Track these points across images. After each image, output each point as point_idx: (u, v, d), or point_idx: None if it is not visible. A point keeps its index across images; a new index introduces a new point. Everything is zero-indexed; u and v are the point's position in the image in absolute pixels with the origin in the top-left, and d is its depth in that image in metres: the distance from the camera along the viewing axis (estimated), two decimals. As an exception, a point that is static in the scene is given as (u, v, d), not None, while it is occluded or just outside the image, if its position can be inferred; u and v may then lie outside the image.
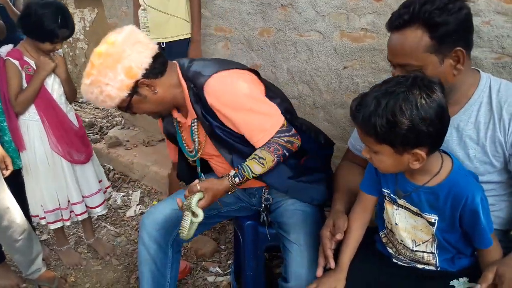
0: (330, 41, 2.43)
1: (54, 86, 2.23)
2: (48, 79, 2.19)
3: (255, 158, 1.52)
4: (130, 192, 3.42)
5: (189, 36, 2.78)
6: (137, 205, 3.23)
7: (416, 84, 1.11)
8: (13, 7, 3.72)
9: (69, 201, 2.40)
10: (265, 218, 1.83)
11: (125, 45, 1.51)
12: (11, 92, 2.10)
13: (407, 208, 1.31)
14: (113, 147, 3.81)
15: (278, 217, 1.74)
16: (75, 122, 2.37)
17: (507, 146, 1.29)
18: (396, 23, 1.26)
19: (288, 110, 1.72)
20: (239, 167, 1.52)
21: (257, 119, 1.57)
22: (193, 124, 1.71)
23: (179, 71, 1.65)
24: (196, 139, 1.74)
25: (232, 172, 1.52)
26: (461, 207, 1.19)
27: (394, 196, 1.33)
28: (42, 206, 2.33)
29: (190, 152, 1.82)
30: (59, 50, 2.28)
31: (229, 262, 2.53)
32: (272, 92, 1.71)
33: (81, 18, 6.76)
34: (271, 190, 1.79)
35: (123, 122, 4.34)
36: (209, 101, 1.56)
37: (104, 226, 2.99)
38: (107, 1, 3.89)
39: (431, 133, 1.11)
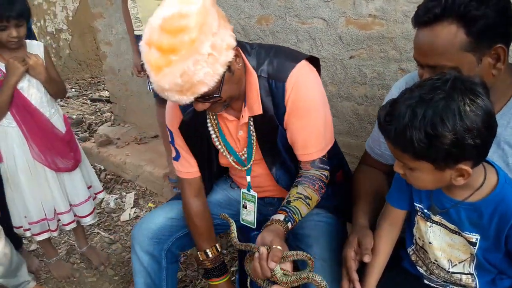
0: (335, 29, 2.24)
1: (30, 91, 2.02)
2: (22, 82, 1.97)
3: (301, 198, 1.35)
4: (124, 194, 3.25)
5: None
6: (132, 208, 3.07)
7: (456, 87, 0.93)
8: None
9: (55, 211, 2.23)
10: None
11: (213, 13, 1.17)
12: None
13: (443, 224, 1.15)
14: (104, 146, 3.62)
15: (296, 228, 1.57)
16: (61, 127, 2.16)
17: None
18: (425, 18, 1.08)
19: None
20: (287, 211, 1.30)
21: (320, 132, 1.44)
22: (250, 123, 1.44)
23: (242, 55, 1.35)
24: (254, 141, 1.47)
25: (282, 217, 1.28)
26: (509, 226, 1.03)
27: (428, 212, 1.17)
28: (26, 217, 2.17)
29: (241, 156, 1.54)
30: (39, 46, 2.06)
31: (233, 269, 2.38)
32: None
33: (63, 7, 6.47)
34: None
35: (112, 118, 4.14)
36: (288, 96, 1.36)
37: (98, 233, 2.83)
38: (89, -11, 3.66)
39: (478, 145, 0.93)
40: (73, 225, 2.32)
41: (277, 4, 2.38)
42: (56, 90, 2.13)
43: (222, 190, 1.78)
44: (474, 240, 1.09)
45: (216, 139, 1.52)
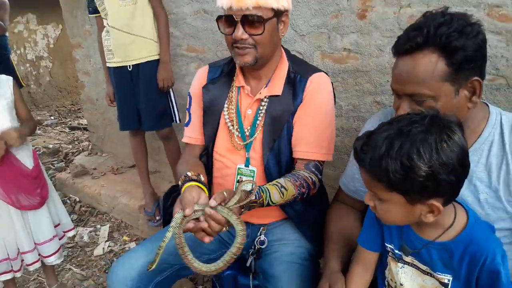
0: (311, 62, 2.25)
1: None
2: None
3: (276, 185, 1.34)
4: (98, 226, 3.15)
5: (158, 57, 2.56)
6: (106, 241, 2.96)
7: (434, 124, 0.93)
8: None
9: (19, 250, 2.11)
10: (252, 263, 1.61)
11: None
12: None
13: (415, 265, 1.12)
14: (79, 176, 3.53)
15: (268, 267, 1.52)
16: (29, 162, 2.07)
17: None
18: (407, 46, 1.08)
19: None
20: (258, 188, 1.30)
21: (325, 137, 1.50)
22: (264, 101, 1.52)
23: (283, 50, 1.58)
24: (261, 118, 1.52)
25: (249, 187, 1.31)
26: (479, 267, 1.01)
27: (399, 252, 1.14)
28: None
29: (245, 132, 1.55)
30: (8, 80, 2.00)
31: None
32: None
33: (44, 35, 6.46)
34: (268, 232, 1.61)
35: (90, 147, 4.06)
36: (307, 90, 1.48)
37: (69, 269, 2.71)
38: (68, 19, 3.64)
39: (452, 181, 0.93)
40: (37, 264, 2.19)
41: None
42: (28, 133, 2.06)
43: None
44: (446, 281, 1.07)
45: (231, 111, 1.56)
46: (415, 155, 0.90)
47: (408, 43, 1.08)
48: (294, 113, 1.49)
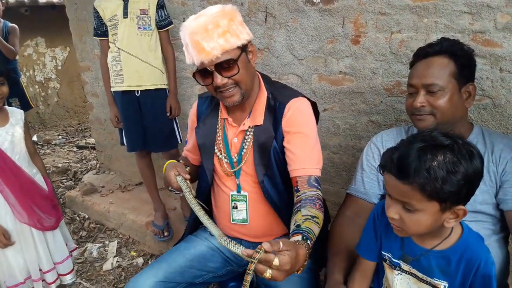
0: (308, 84, 2.40)
1: (15, 150, 2.06)
2: (5, 144, 2.02)
3: (308, 219, 1.31)
4: (107, 242, 3.25)
5: (163, 86, 2.72)
6: (114, 257, 3.06)
7: (457, 137, 1.06)
8: (5, 42, 3.63)
9: (40, 270, 2.21)
10: (254, 278, 1.71)
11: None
12: None
13: (412, 273, 1.22)
14: (88, 194, 3.65)
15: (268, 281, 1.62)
16: (44, 185, 2.20)
17: (498, 176, 1.42)
18: (428, 50, 1.46)
19: None
20: (300, 232, 1.24)
21: (315, 153, 1.55)
22: (248, 131, 1.61)
23: (260, 78, 1.65)
24: (248, 146, 1.61)
25: (299, 237, 1.22)
26: (474, 271, 1.12)
27: (396, 261, 1.25)
28: (5, 282, 2.13)
29: (233, 159, 1.65)
30: (21, 114, 2.13)
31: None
32: None
33: (53, 57, 6.65)
34: None
35: (98, 166, 4.19)
36: (286, 116, 1.55)
37: (80, 283, 2.81)
38: (78, 44, 3.80)
39: (476, 187, 1.06)
40: (57, 283, 2.29)
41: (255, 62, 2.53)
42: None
43: (202, 241, 1.81)
44: (442, 287, 1.17)
45: (218, 140, 1.68)
46: (457, 162, 1.01)
47: (427, 49, 1.47)
48: (276, 138, 1.56)
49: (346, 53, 2.21)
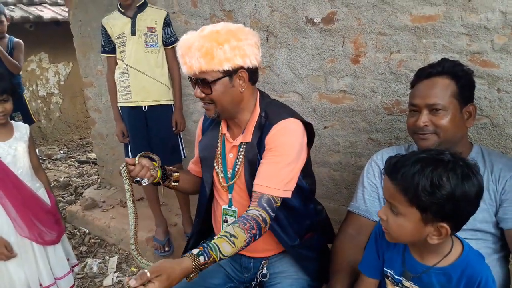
0: (309, 102, 2.43)
1: (17, 164, 2.08)
2: (7, 157, 2.05)
3: (225, 236, 1.33)
4: (107, 258, 3.25)
5: (170, 102, 2.77)
6: (114, 272, 3.05)
7: (460, 159, 1.09)
8: (9, 57, 3.68)
9: (41, 285, 2.21)
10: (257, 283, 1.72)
11: (252, 35, 1.53)
12: None
13: None
14: (89, 209, 3.65)
15: None
16: (47, 200, 2.22)
17: (498, 195, 1.44)
18: (429, 71, 1.49)
19: (312, 191, 1.74)
20: (204, 246, 1.30)
21: (283, 173, 1.51)
22: (241, 146, 1.64)
23: (258, 97, 1.65)
24: (240, 162, 1.64)
25: (196, 251, 1.28)
26: None
27: (398, 277, 1.26)
28: None
29: (228, 174, 1.69)
30: (26, 129, 2.17)
31: None
32: (308, 170, 1.69)
33: (56, 72, 6.72)
34: (270, 265, 1.70)
35: (99, 181, 4.20)
36: (270, 135, 1.54)
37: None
38: (82, 59, 3.85)
39: (464, 211, 1.08)
40: None
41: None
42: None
43: None
44: None
45: (218, 154, 1.71)
46: (444, 177, 1.04)
47: (430, 70, 1.49)
48: (259, 155, 1.57)
49: (346, 72, 2.25)
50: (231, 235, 1.34)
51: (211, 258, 1.27)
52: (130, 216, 1.50)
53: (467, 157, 1.41)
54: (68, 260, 2.37)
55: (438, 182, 1.04)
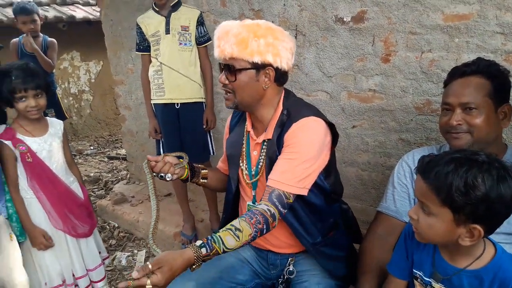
0: (337, 101, 2.43)
1: (52, 159, 2.15)
2: (43, 152, 2.12)
3: (230, 229, 1.36)
4: (135, 251, 3.33)
5: (201, 100, 2.83)
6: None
7: (495, 160, 1.07)
8: (43, 55, 3.81)
9: (73, 276, 2.29)
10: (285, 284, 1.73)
11: (290, 40, 1.56)
12: (8, 177, 2.04)
13: None
14: (119, 203, 3.75)
15: None
16: (80, 194, 2.30)
17: None
18: (463, 69, 1.47)
19: (336, 192, 1.70)
20: (208, 238, 1.33)
21: (298, 170, 1.50)
22: (264, 144, 1.66)
23: (283, 96, 1.66)
24: (263, 159, 1.66)
25: (199, 242, 1.32)
26: None
27: (427, 279, 1.25)
28: (46, 284, 2.22)
29: (252, 171, 1.71)
30: (60, 125, 2.23)
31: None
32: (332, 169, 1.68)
33: (87, 70, 6.90)
34: (296, 262, 1.71)
35: (128, 176, 4.30)
36: (289, 131, 1.54)
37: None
38: (113, 58, 3.95)
39: (499, 213, 1.06)
40: None
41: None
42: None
43: (232, 252, 1.80)
44: None
45: (243, 152, 1.74)
46: (479, 178, 1.02)
47: (465, 69, 1.47)
48: (279, 152, 1.57)
49: (376, 71, 2.24)
50: (236, 229, 1.36)
51: (214, 250, 1.30)
52: (152, 207, 1.57)
53: (501, 159, 1.39)
54: (99, 253, 2.44)
55: (472, 183, 1.02)
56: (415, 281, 1.30)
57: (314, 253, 1.63)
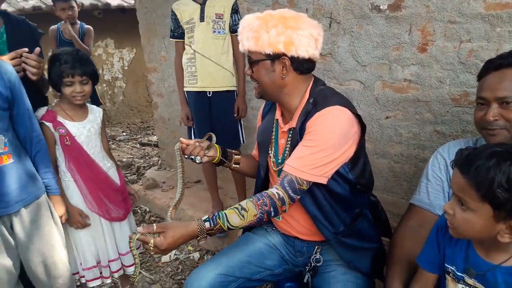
0: (371, 91, 2.39)
1: (90, 144, 2.20)
2: (81, 137, 2.17)
3: (236, 208, 1.43)
4: (166, 236, 3.40)
5: (233, 88, 2.84)
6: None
7: None
8: (81, 42, 3.92)
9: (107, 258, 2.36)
10: (309, 279, 1.74)
11: (309, 26, 1.53)
12: None
13: None
14: (150, 189, 3.84)
15: (325, 283, 1.65)
16: (116, 179, 2.35)
17: None
18: (497, 63, 1.39)
19: (361, 184, 1.66)
20: (214, 214, 1.41)
21: (315, 157, 1.48)
22: (290, 132, 1.66)
23: (311, 85, 1.65)
24: (288, 148, 1.66)
25: (204, 217, 1.40)
26: None
27: (460, 274, 1.22)
28: (81, 264, 2.30)
29: (279, 159, 1.72)
30: (99, 112, 2.29)
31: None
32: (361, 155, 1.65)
33: (120, 58, 7.03)
34: (323, 251, 1.71)
35: (159, 162, 4.39)
36: (311, 119, 1.52)
37: (140, 273, 2.97)
38: (146, 45, 4.01)
39: None
40: (120, 272, 2.43)
41: (316, 67, 2.53)
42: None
43: (260, 238, 1.86)
44: None
45: (272, 139, 1.76)
46: None
47: (500, 61, 1.38)
48: (301, 140, 1.57)
49: (412, 60, 2.19)
50: (242, 208, 1.42)
51: (218, 226, 1.38)
52: (178, 187, 1.66)
53: None
54: None
55: None
56: (447, 276, 1.28)
57: (333, 243, 1.62)
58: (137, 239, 1.33)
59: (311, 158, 1.48)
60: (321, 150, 1.48)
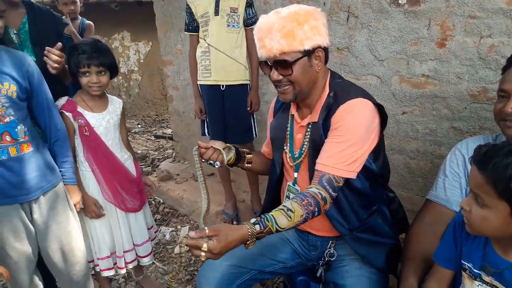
0: (388, 86, 2.37)
1: (108, 136, 2.23)
2: (100, 128, 2.20)
3: (282, 209, 1.38)
4: (179, 227, 3.44)
5: (246, 82, 2.84)
6: (185, 241, 3.23)
7: None
8: (80, 38, 3.94)
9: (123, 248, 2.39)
10: (323, 274, 1.74)
11: (322, 15, 1.54)
12: None
13: (494, 286, 1.18)
14: (164, 180, 3.88)
15: (338, 278, 1.65)
16: (133, 171, 2.37)
17: None
18: None
19: (383, 176, 1.67)
20: (262, 216, 1.36)
21: (346, 153, 1.49)
22: (309, 127, 1.65)
23: (328, 78, 1.64)
24: (307, 142, 1.66)
25: (253, 220, 1.35)
26: None
27: (477, 271, 1.21)
28: (96, 253, 2.33)
29: (295, 154, 1.72)
30: (119, 103, 2.31)
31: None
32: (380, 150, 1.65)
33: (136, 51, 7.08)
34: (337, 246, 1.71)
35: (174, 155, 4.43)
36: (336, 114, 1.52)
37: (153, 263, 3.00)
38: (162, 38, 4.03)
39: None
40: (135, 263, 2.45)
41: (333, 61, 2.55)
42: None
43: None
44: None
45: (287, 134, 1.74)
46: None
47: None
48: (324, 135, 1.56)
49: (430, 56, 2.16)
50: (288, 209, 1.38)
51: (267, 228, 1.33)
52: (203, 197, 1.58)
53: None
54: (152, 227, 2.53)
55: None
56: (463, 273, 1.27)
57: (348, 238, 1.62)
58: (186, 244, 1.24)
59: (343, 155, 1.49)
60: (351, 145, 1.49)
